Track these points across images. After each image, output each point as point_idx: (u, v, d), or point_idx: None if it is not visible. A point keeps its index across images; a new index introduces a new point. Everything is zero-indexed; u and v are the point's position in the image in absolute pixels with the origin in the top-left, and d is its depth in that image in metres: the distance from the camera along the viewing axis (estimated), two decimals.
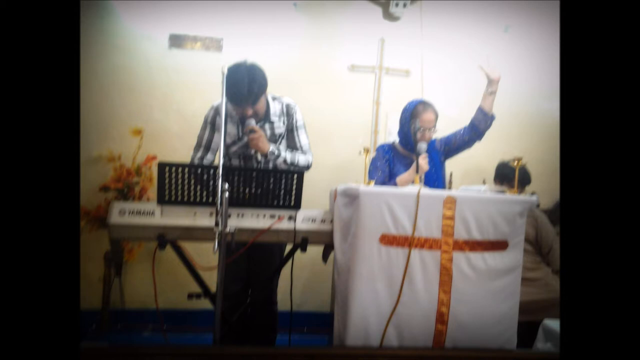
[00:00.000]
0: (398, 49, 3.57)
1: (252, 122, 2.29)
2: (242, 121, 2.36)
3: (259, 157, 2.34)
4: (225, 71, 2.03)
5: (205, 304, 2.42)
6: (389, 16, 3.53)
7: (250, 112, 2.29)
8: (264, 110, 2.39)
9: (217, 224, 1.84)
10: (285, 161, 2.40)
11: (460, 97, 3.61)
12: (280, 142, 2.47)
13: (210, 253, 2.35)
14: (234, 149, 2.42)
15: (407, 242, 1.95)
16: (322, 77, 3.50)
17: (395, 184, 2.51)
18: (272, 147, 2.35)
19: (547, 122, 3.71)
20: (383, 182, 2.56)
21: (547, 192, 3.31)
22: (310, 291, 3.48)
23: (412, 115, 2.58)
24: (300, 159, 2.46)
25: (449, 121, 3.56)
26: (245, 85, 2.21)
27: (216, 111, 2.44)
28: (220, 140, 2.03)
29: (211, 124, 2.45)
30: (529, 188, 3.15)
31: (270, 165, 2.41)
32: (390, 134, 3.50)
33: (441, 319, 1.96)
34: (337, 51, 3.52)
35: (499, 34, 3.65)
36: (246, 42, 3.34)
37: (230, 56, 3.23)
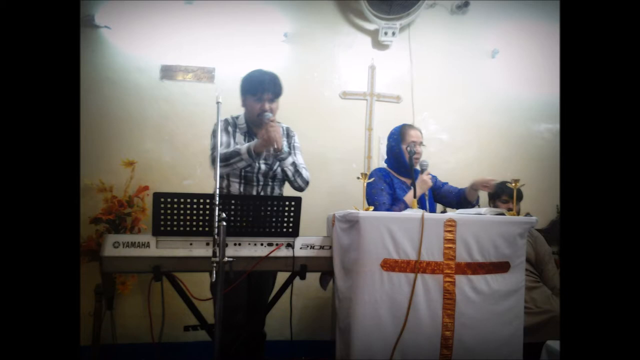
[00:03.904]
0: (388, 75, 3.62)
1: (270, 115, 2.31)
2: (259, 116, 2.36)
3: (263, 166, 2.37)
4: (221, 94, 2.04)
5: (202, 335, 2.36)
6: (378, 44, 3.59)
7: (267, 106, 2.35)
8: (276, 112, 2.41)
9: (214, 254, 1.80)
10: (292, 163, 2.41)
11: (450, 121, 3.66)
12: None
13: (206, 284, 2.31)
14: (240, 164, 2.34)
15: (410, 266, 1.93)
16: (314, 105, 3.51)
17: (399, 206, 2.49)
18: (284, 145, 2.37)
19: (537, 142, 3.75)
20: (391, 204, 2.54)
21: (539, 212, 3.34)
22: (309, 319, 3.41)
23: (401, 135, 2.63)
24: (302, 170, 2.46)
25: (439, 144, 3.62)
26: (268, 79, 2.36)
27: (226, 122, 2.47)
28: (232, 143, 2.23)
29: (222, 130, 2.42)
30: (522, 210, 3.18)
31: (277, 167, 2.41)
32: (383, 159, 3.51)
33: (446, 343, 1.93)
34: (329, 79, 3.55)
35: (488, 57, 3.72)
36: (237, 72, 3.35)
37: (223, 86, 3.26)
